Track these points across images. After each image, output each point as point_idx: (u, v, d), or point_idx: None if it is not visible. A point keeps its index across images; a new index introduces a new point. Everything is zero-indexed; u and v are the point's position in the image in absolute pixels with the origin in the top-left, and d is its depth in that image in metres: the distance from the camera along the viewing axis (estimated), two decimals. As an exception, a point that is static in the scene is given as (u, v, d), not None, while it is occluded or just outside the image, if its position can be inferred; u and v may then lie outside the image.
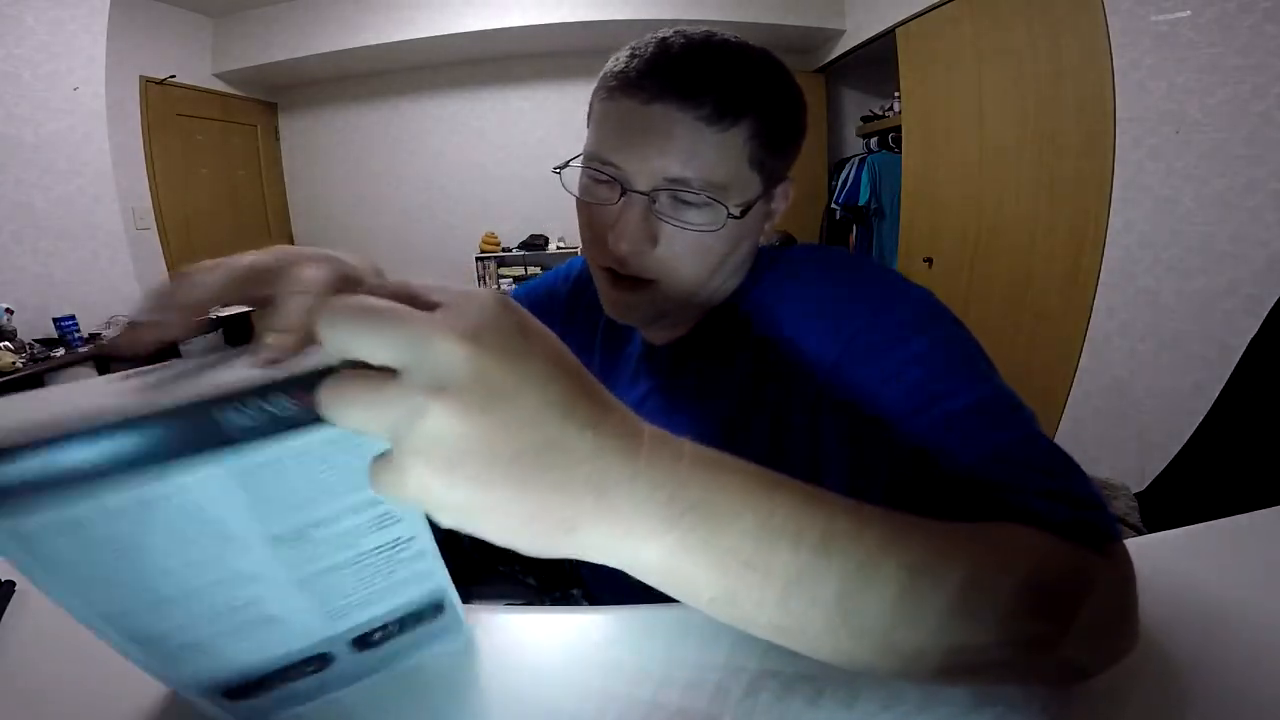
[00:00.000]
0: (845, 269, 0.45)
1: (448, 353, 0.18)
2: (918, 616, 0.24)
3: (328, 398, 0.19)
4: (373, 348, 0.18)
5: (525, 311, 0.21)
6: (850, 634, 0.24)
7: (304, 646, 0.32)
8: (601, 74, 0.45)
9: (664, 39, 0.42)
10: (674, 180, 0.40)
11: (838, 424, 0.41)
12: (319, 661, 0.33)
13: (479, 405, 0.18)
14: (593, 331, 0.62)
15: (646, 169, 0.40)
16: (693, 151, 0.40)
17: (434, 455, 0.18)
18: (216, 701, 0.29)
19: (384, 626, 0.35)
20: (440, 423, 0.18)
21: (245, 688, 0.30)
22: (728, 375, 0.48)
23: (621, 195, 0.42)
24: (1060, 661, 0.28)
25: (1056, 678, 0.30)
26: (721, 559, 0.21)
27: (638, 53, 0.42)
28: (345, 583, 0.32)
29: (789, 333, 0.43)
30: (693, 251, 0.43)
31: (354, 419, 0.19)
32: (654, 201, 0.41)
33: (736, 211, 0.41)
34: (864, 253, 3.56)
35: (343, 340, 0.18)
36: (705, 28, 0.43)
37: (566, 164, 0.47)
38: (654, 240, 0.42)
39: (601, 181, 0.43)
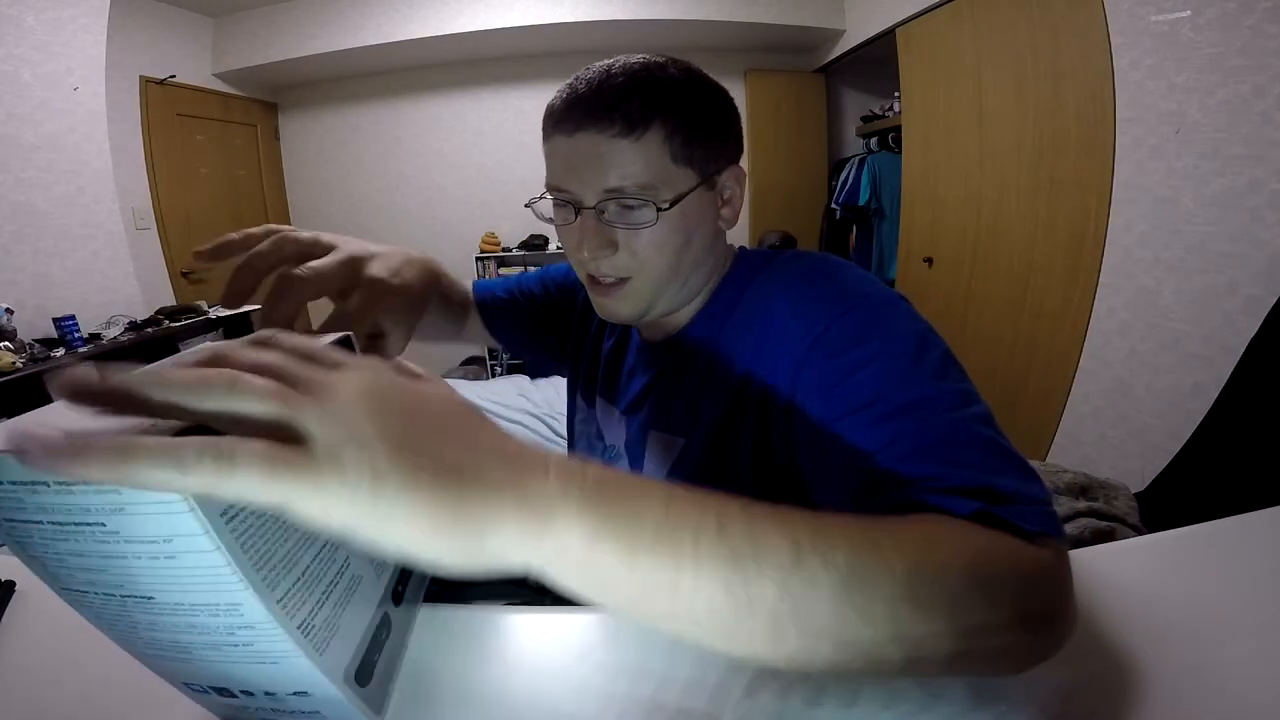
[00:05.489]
0: (821, 273, 0.48)
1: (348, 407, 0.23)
2: (810, 596, 0.25)
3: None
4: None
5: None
6: (762, 623, 0.24)
7: (373, 611, 0.33)
8: (543, 115, 0.51)
9: (577, 79, 0.48)
10: (610, 190, 0.46)
11: (805, 423, 0.43)
12: (386, 626, 0.34)
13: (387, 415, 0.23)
14: (600, 328, 0.66)
15: (589, 187, 0.47)
16: (617, 163, 0.45)
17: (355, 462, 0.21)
18: (354, 689, 0.30)
19: (402, 577, 0.38)
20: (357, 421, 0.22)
21: (365, 668, 0.31)
22: (717, 373, 0.51)
23: (577, 214, 0.48)
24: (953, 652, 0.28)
25: (965, 670, 0.30)
26: (631, 547, 0.23)
27: (561, 94, 0.49)
28: None
29: (772, 335, 0.47)
30: (650, 245, 0.48)
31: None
32: (602, 212, 0.47)
33: (665, 205, 0.47)
34: (863, 253, 3.56)
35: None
36: (623, 55, 0.48)
37: (539, 197, 0.53)
38: (613, 245, 0.48)
39: (561, 205, 0.50)
